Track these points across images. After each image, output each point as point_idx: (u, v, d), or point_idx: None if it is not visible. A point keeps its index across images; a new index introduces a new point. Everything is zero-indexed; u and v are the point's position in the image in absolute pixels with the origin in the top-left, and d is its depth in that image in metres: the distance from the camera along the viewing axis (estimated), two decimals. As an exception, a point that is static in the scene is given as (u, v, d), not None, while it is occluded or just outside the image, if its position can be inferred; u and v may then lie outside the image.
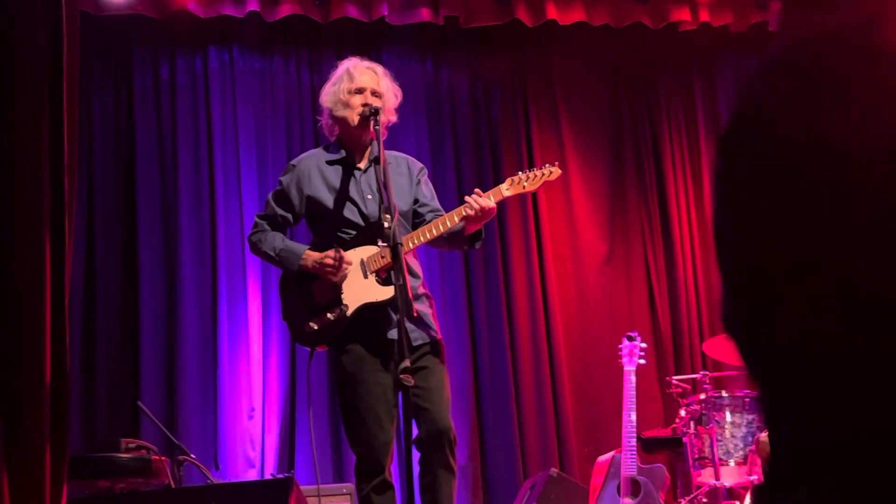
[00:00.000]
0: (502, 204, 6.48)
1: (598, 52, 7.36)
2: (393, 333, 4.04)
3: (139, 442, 4.66)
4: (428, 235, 4.14)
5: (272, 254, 4.40)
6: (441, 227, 4.14)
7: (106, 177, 6.67)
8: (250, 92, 6.91)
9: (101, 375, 6.38)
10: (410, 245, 4.14)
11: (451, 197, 6.66)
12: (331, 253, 4.23)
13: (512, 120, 7.26)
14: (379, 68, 4.55)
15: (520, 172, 4.39)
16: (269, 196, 4.55)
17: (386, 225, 4.03)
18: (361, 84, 4.42)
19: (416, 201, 4.40)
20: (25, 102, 3.49)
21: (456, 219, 4.13)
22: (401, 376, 3.54)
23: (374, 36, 6.96)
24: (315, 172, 4.46)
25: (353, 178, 4.42)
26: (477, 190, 4.19)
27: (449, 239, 4.29)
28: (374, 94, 4.42)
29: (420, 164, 4.55)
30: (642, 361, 5.85)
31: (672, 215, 7.37)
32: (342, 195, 4.41)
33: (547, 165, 4.41)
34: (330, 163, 4.46)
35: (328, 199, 4.39)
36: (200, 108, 6.82)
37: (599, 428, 6.78)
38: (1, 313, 3.34)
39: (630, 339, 5.87)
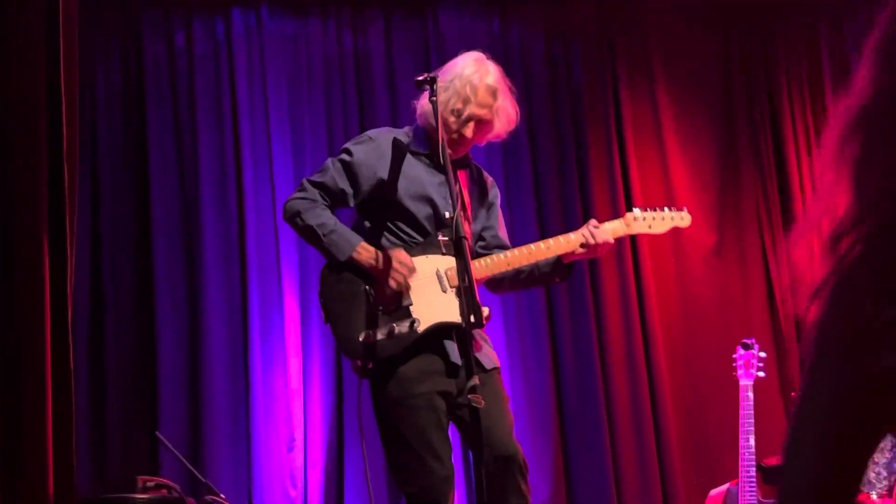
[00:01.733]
0: (587, 190, 6.58)
1: (703, 18, 7.32)
2: (457, 357, 4.07)
3: (159, 480, 4.70)
4: (525, 253, 4.26)
5: (319, 231, 4.31)
6: (538, 255, 4.26)
7: (114, 166, 6.71)
8: (282, 60, 6.95)
9: (113, 401, 6.41)
10: (486, 265, 4.24)
11: (524, 184, 6.66)
12: (403, 256, 4.22)
13: (598, 84, 7.23)
14: (501, 87, 4.56)
15: (641, 211, 4.49)
16: (331, 162, 4.45)
17: (447, 215, 4.04)
18: (473, 113, 4.46)
19: (485, 227, 4.48)
20: (17, 80, 3.53)
21: (572, 237, 4.22)
22: (469, 396, 3.53)
23: (428, -10, 6.98)
24: (397, 157, 4.46)
25: (436, 180, 4.45)
26: (593, 221, 4.26)
27: (535, 273, 4.37)
28: (482, 124, 4.48)
29: (493, 180, 4.67)
30: (761, 374, 5.82)
31: (795, 196, 7.32)
32: (422, 193, 4.42)
33: (677, 211, 4.51)
34: (414, 154, 4.49)
35: (403, 192, 4.39)
36: (224, 80, 6.85)
37: (710, 455, 6.74)
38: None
39: (746, 347, 5.82)
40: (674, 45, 7.41)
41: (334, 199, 4.40)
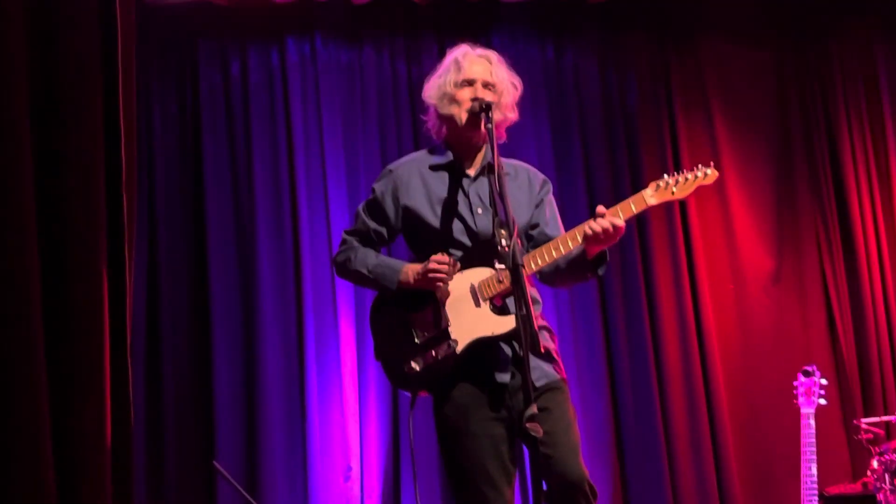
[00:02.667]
0: (644, 216, 6.45)
1: (756, 24, 7.29)
2: (502, 377, 4.02)
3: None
4: (547, 258, 4.08)
5: (365, 272, 4.37)
6: (562, 249, 4.09)
7: (169, 194, 6.75)
8: (336, 89, 6.96)
9: (170, 431, 6.44)
10: (532, 267, 4.09)
11: (581, 210, 6.62)
12: (438, 256, 4.20)
13: (653, 111, 7.21)
14: (493, 55, 4.53)
15: (665, 176, 4.29)
16: (360, 207, 4.53)
17: (504, 243, 4.00)
18: (471, 75, 4.42)
19: (533, 225, 4.37)
20: (75, 110, 3.54)
21: (579, 238, 4.07)
22: (526, 425, 3.49)
23: (482, 17, 6.98)
24: (416, 179, 4.45)
25: (461, 188, 4.41)
26: (600, 207, 4.11)
27: (568, 268, 4.24)
28: (487, 85, 4.42)
29: (543, 177, 4.51)
30: (823, 402, 5.77)
31: (854, 221, 7.25)
32: (447, 207, 4.39)
33: (700, 167, 4.31)
34: (434, 168, 4.46)
35: (429, 212, 4.38)
36: (278, 109, 6.88)
37: (771, 483, 6.69)
38: (54, 362, 3.38)
39: (807, 374, 5.78)
40: (728, 70, 7.40)
41: (371, 241, 4.46)
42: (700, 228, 7.01)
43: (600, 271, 4.24)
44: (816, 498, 5.55)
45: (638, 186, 6.95)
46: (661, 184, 4.25)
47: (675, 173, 4.30)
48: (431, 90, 4.50)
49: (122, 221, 3.59)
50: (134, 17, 3.81)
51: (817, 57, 7.45)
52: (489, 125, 4.24)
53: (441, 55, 7.01)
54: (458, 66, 4.46)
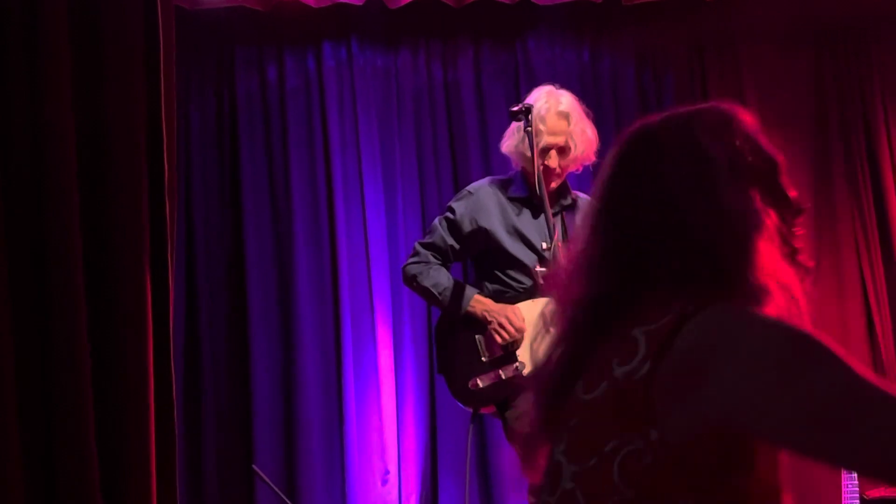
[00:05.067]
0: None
1: (793, 22, 7.26)
2: None
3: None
4: None
5: (434, 291, 4.51)
6: None
7: (208, 200, 6.78)
8: (373, 93, 6.97)
9: (209, 435, 6.48)
10: None
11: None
12: (516, 314, 4.29)
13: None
14: (573, 112, 4.66)
15: None
16: (438, 221, 4.69)
17: (544, 245, 4.07)
18: (547, 143, 4.56)
19: None
20: (120, 118, 3.59)
21: None
22: None
23: (518, 20, 6.97)
24: (494, 205, 4.58)
25: (536, 222, 4.52)
26: None
27: None
28: (562, 151, 4.56)
29: None
30: None
31: (893, 223, 7.18)
32: (523, 238, 4.50)
33: None
34: (512, 200, 4.58)
35: (506, 239, 4.48)
36: (315, 113, 6.89)
37: (811, 488, 6.61)
38: (99, 364, 3.43)
39: None
40: (766, 71, 7.34)
41: (445, 256, 4.58)
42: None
43: None
44: (858, 501, 5.52)
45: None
46: None
47: None
48: (510, 147, 4.66)
49: (166, 227, 3.65)
50: (174, 26, 3.85)
51: (857, 62, 7.38)
52: (528, 128, 4.36)
53: (477, 59, 7.07)
54: (536, 130, 4.56)
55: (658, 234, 1.95)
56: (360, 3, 6.53)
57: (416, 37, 7.05)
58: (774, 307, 1.96)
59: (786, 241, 1.99)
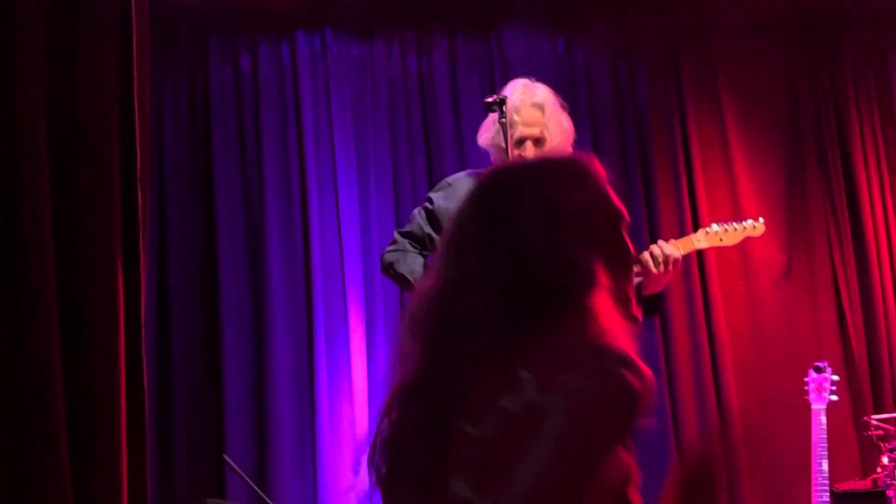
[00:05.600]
0: (654, 211, 6.53)
1: (769, 20, 7.32)
2: None
3: (226, 503, 4.73)
4: None
5: (410, 278, 4.53)
6: None
7: (180, 190, 6.76)
8: (347, 83, 6.97)
9: (180, 426, 6.46)
10: None
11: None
12: None
13: (663, 103, 7.21)
14: (548, 102, 4.68)
15: (714, 225, 4.53)
16: (416, 212, 4.73)
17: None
18: (522, 134, 4.58)
19: None
20: (92, 107, 3.59)
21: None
22: None
23: (493, 11, 6.99)
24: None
25: None
26: (660, 242, 4.28)
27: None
28: (538, 142, 4.57)
29: None
30: (834, 398, 5.79)
31: (865, 217, 7.24)
32: None
33: (750, 220, 4.54)
34: None
35: None
36: (289, 104, 6.89)
37: (781, 480, 6.68)
38: (69, 360, 3.43)
39: (818, 370, 5.80)
40: (739, 62, 7.39)
41: (423, 245, 4.61)
42: (709, 222, 6.98)
43: (653, 315, 4.43)
44: (828, 494, 5.55)
45: (649, 181, 7.03)
46: (711, 231, 4.49)
47: (726, 223, 4.54)
48: (486, 140, 4.68)
49: (137, 215, 3.64)
50: (148, 14, 3.85)
51: (829, 55, 7.44)
52: (503, 119, 4.39)
53: (451, 49, 7.07)
54: (511, 122, 4.59)
55: (508, 278, 2.05)
56: (335, -6, 6.55)
57: (390, 27, 7.06)
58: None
59: (618, 292, 2.13)
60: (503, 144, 4.54)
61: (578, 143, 7.01)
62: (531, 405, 1.96)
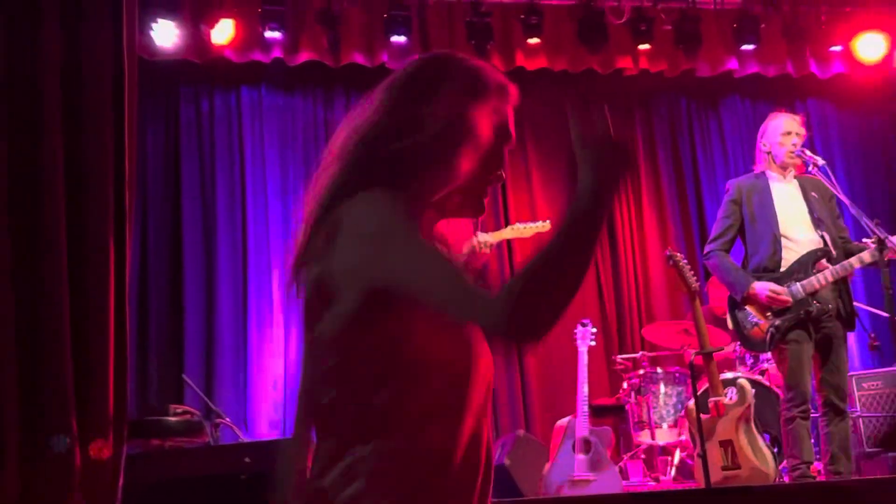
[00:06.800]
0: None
1: (559, 97, 7.33)
2: None
3: (185, 408, 4.72)
4: None
5: None
6: None
7: (157, 193, 6.72)
8: (275, 124, 6.97)
9: (153, 356, 6.44)
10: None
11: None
12: None
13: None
14: None
15: (518, 223, 4.72)
16: None
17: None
18: None
19: None
20: (94, 133, 3.57)
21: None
22: None
23: (376, 79, 7.00)
24: None
25: None
26: (480, 233, 4.36)
27: None
28: None
29: None
30: (593, 343, 5.83)
31: (616, 222, 7.37)
32: None
33: (540, 222, 4.77)
34: None
35: None
36: (234, 138, 6.88)
37: (559, 397, 6.73)
38: (75, 308, 3.41)
39: (583, 325, 5.84)
40: (540, 126, 7.32)
41: None
42: (514, 217, 6.94)
43: None
44: (586, 406, 5.57)
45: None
46: (515, 227, 4.62)
47: (524, 222, 4.73)
48: None
49: (125, 210, 3.62)
50: (136, 69, 3.82)
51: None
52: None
53: (347, 103, 7.08)
54: None
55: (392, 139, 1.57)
56: (268, 61, 6.51)
57: (305, 86, 7.06)
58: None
59: (491, 157, 1.63)
60: None
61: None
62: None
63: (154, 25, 6.03)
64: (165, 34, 6.09)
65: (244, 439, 5.49)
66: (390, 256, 1.42)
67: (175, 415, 4.47)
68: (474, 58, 1.68)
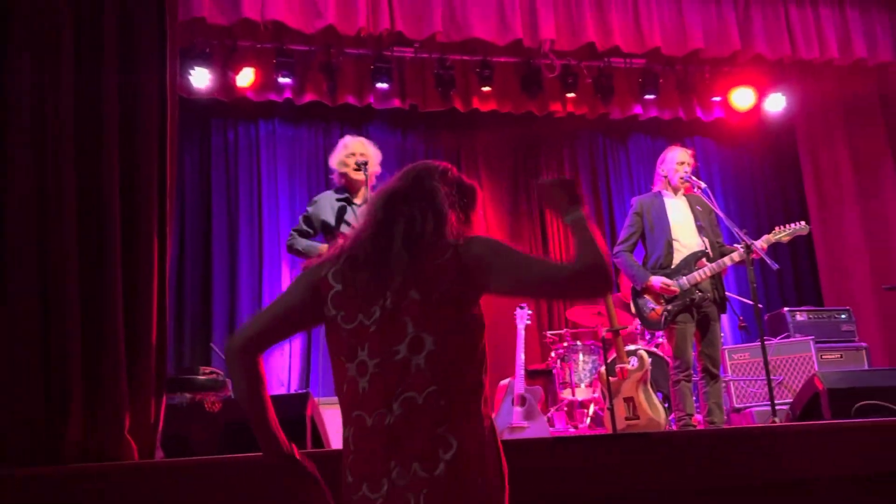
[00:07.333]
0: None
1: (506, 133, 7.35)
2: None
3: (211, 368, 4.68)
4: None
5: (300, 249, 4.47)
6: None
7: (193, 203, 6.66)
8: (285, 150, 6.94)
9: (187, 328, 6.40)
10: None
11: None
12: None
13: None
14: (364, 139, 4.63)
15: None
16: (300, 217, 4.64)
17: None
18: (353, 149, 4.51)
19: None
20: (146, 158, 3.54)
21: None
22: None
23: (365, 116, 7.01)
24: (327, 205, 4.52)
25: (351, 210, 4.49)
26: None
27: None
28: (362, 154, 4.51)
29: None
30: (529, 322, 5.83)
31: (548, 231, 7.35)
32: (341, 220, 4.48)
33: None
34: (338, 200, 4.54)
35: (333, 223, 4.46)
36: (253, 160, 6.85)
37: (501, 363, 6.63)
38: (127, 290, 3.38)
39: (521, 308, 5.84)
40: (491, 156, 7.36)
41: (305, 234, 4.51)
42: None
43: None
44: (523, 371, 5.62)
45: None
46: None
47: None
48: (333, 160, 4.60)
49: (166, 215, 3.59)
50: (177, 106, 3.79)
51: (535, 154, 7.43)
52: (366, 174, 4.35)
53: (342, 134, 7.10)
54: (345, 146, 4.55)
55: (423, 211, 1.86)
56: (280, 100, 6.50)
57: (310, 120, 7.04)
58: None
59: (467, 217, 1.91)
60: (352, 180, 4.49)
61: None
62: (464, 264, 1.75)
63: (192, 71, 6.02)
64: (200, 78, 6.10)
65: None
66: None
67: (203, 374, 4.44)
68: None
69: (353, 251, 1.83)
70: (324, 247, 4.36)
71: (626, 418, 4.71)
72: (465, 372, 1.71)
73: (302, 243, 4.48)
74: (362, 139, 4.60)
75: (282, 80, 6.28)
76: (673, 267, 4.74)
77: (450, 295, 1.73)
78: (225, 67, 6.20)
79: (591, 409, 5.79)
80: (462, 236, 1.80)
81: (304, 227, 4.55)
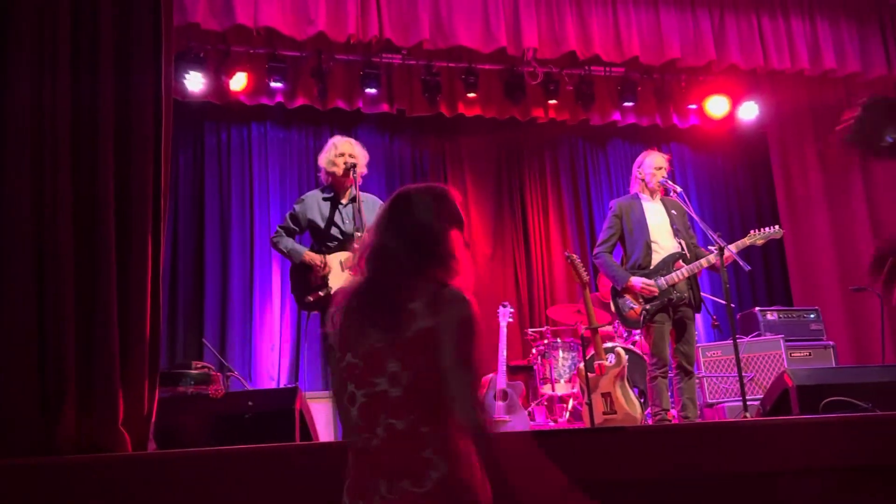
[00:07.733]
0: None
1: (490, 137, 7.36)
2: None
3: (204, 363, 4.66)
4: None
5: (284, 250, 4.44)
6: None
7: (186, 201, 6.61)
8: (276, 152, 6.90)
9: (180, 324, 6.35)
10: None
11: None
12: (318, 260, 4.29)
13: (436, 178, 7.17)
14: (353, 140, 4.61)
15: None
16: (287, 214, 4.60)
17: (358, 235, 4.09)
18: (342, 150, 4.49)
19: None
20: (140, 159, 3.52)
21: None
22: None
23: (354, 120, 7.00)
24: (315, 204, 4.51)
25: (337, 209, 4.48)
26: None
27: None
28: (351, 156, 4.49)
29: (381, 202, 4.48)
30: (511, 320, 5.82)
31: (530, 232, 7.36)
32: (330, 220, 4.47)
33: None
34: (325, 199, 4.52)
35: (321, 222, 4.45)
36: (245, 160, 6.81)
37: (484, 360, 6.73)
38: (121, 284, 3.36)
39: (504, 306, 5.84)
40: (476, 159, 7.34)
41: (291, 232, 4.48)
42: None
43: None
44: (505, 366, 5.62)
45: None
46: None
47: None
48: (322, 159, 4.57)
49: (160, 213, 3.57)
50: (171, 108, 3.78)
51: (517, 157, 7.48)
52: (354, 175, 4.34)
53: (332, 135, 7.06)
54: (335, 145, 4.53)
55: (410, 240, 1.92)
56: (272, 104, 6.47)
57: (300, 123, 7.00)
58: (465, 272, 1.93)
59: (464, 244, 1.98)
60: (340, 180, 4.47)
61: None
62: (427, 328, 1.79)
63: (186, 75, 5.98)
64: (195, 82, 6.06)
65: (248, 388, 5.44)
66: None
67: (196, 368, 4.42)
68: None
69: (349, 303, 1.94)
70: (308, 253, 4.35)
71: (604, 413, 4.72)
72: (444, 402, 1.79)
73: (287, 244, 4.46)
74: (351, 140, 4.58)
75: (274, 84, 6.27)
76: (652, 268, 4.76)
77: (422, 336, 1.81)
78: (218, 72, 6.18)
79: (571, 403, 5.80)
80: (446, 282, 1.86)
81: (291, 225, 4.52)
